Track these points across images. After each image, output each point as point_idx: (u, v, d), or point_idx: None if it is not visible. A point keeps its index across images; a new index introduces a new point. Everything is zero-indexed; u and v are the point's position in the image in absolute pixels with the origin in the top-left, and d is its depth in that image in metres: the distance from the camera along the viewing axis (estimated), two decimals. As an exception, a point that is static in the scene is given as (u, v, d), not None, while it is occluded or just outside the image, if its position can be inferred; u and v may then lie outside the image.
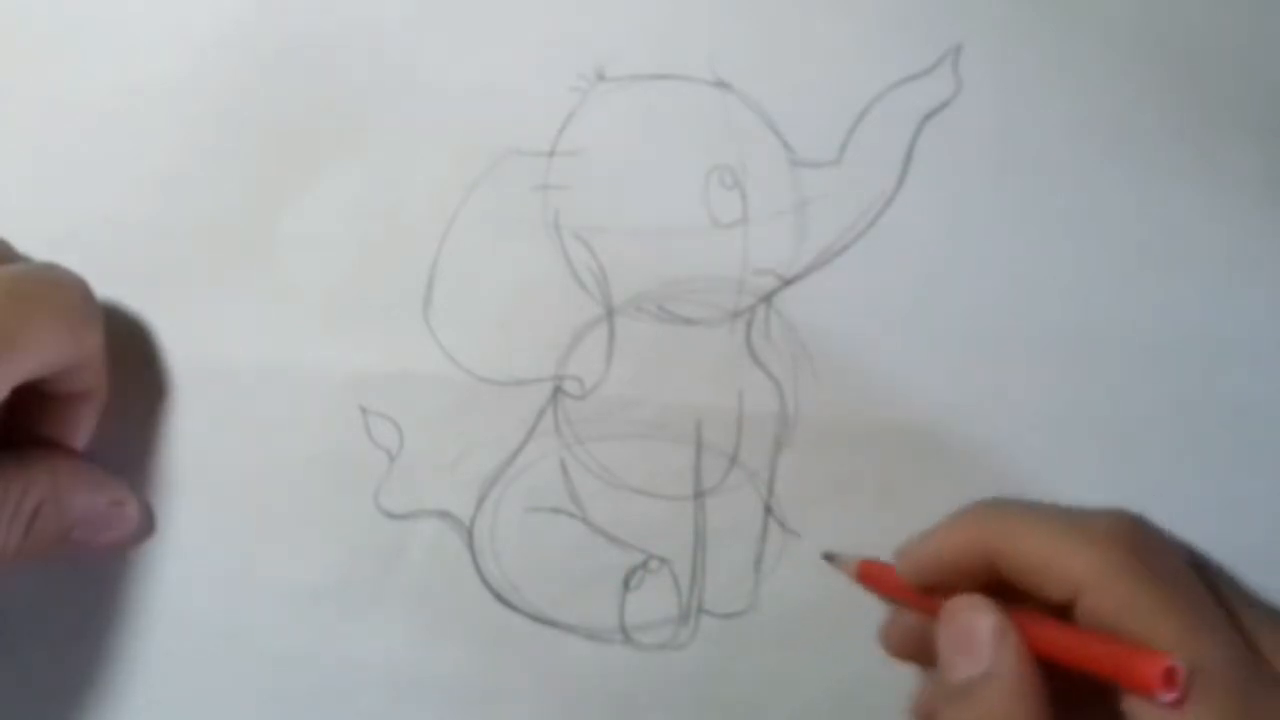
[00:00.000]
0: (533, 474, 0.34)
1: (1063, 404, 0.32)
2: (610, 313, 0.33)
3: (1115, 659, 0.24)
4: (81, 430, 0.33)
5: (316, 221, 0.34)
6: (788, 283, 0.33)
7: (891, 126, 0.33)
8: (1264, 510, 0.32)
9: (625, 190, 0.33)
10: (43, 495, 0.31)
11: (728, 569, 0.33)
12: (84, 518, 0.32)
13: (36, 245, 0.32)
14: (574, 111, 0.33)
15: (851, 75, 0.33)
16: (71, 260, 0.31)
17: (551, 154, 0.33)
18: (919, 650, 0.29)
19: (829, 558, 0.32)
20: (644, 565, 0.33)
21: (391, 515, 0.34)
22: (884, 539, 0.31)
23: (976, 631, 0.26)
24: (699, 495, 0.33)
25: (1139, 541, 0.26)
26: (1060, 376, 0.32)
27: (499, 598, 0.34)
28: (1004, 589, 0.27)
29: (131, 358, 0.34)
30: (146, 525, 0.34)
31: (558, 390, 0.33)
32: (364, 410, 0.34)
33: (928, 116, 0.32)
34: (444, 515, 0.34)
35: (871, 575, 0.30)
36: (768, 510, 0.33)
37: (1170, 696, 0.23)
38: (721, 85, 0.33)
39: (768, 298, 0.33)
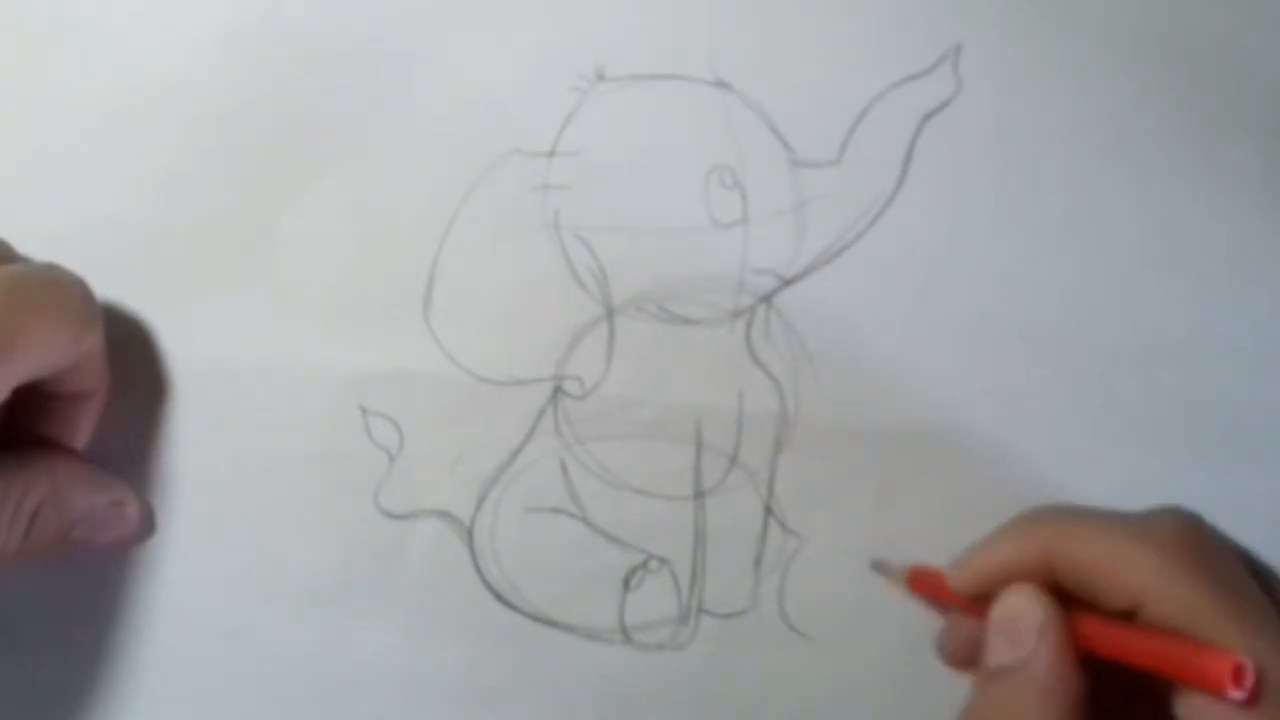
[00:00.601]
0: (533, 474, 0.34)
1: (1063, 403, 0.32)
2: (610, 313, 0.33)
3: (1181, 656, 0.24)
4: (81, 430, 0.33)
5: (316, 221, 0.34)
6: (788, 283, 0.33)
7: (891, 126, 0.33)
8: (1264, 510, 0.32)
9: (625, 190, 0.33)
10: (43, 495, 0.31)
11: (728, 569, 0.33)
12: (84, 518, 0.32)
13: (36, 245, 0.32)
14: (574, 111, 0.33)
15: (851, 75, 0.33)
16: (71, 260, 0.31)
17: (551, 154, 0.33)
18: (975, 658, 0.28)
19: (878, 567, 0.32)
20: (644, 565, 0.33)
21: (391, 515, 0.34)
22: (884, 539, 0.31)
23: (1021, 620, 0.26)
24: (699, 495, 0.33)
25: (1200, 544, 0.26)
26: (1060, 376, 0.32)
27: (499, 598, 0.34)
28: (1064, 599, 0.27)
29: (131, 358, 0.34)
30: (146, 525, 0.34)
31: (558, 390, 0.33)
32: (364, 410, 0.34)
33: (928, 116, 0.32)
34: (444, 515, 0.34)
35: (923, 584, 0.30)
36: (768, 510, 0.33)
37: (1240, 695, 0.23)
38: (721, 85, 0.33)
39: (768, 298, 0.33)
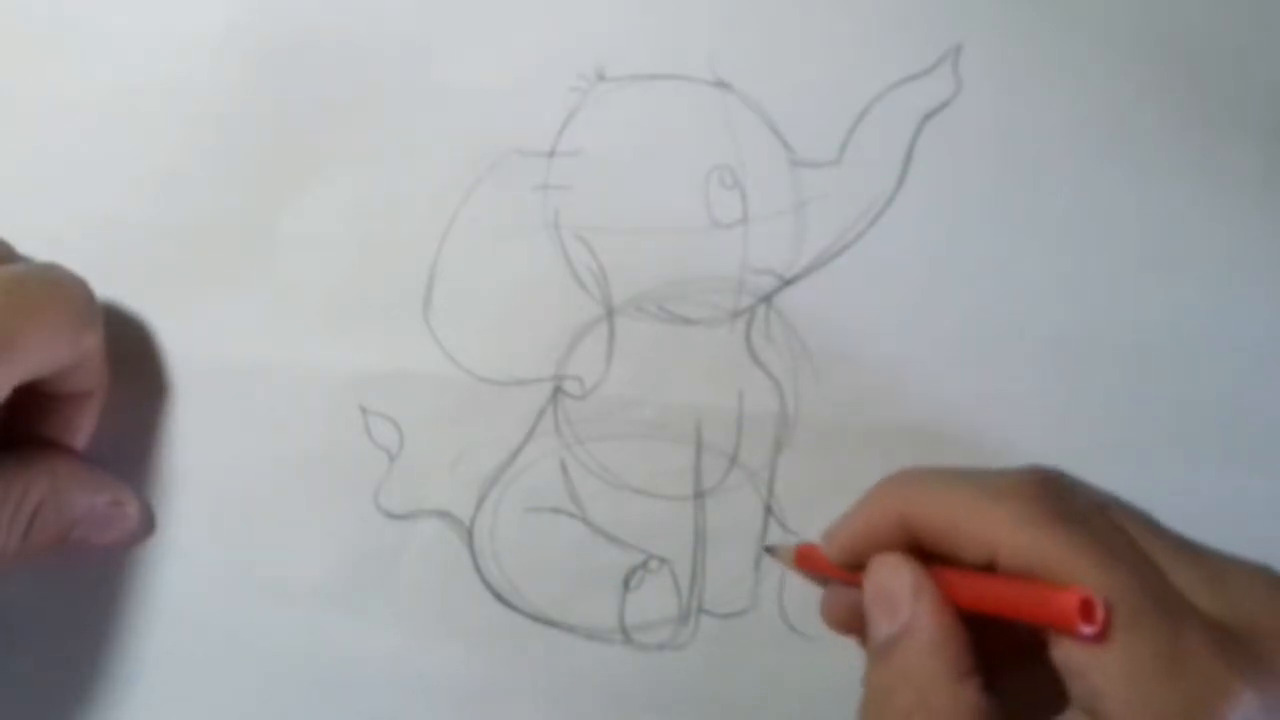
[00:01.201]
0: (533, 474, 0.34)
1: (1062, 403, 0.32)
2: (610, 313, 0.33)
3: (1033, 599, 0.24)
4: (81, 430, 0.33)
5: (316, 221, 0.34)
6: (788, 283, 0.33)
7: (891, 126, 0.33)
8: (1264, 510, 0.32)
9: (625, 190, 0.33)
10: (43, 495, 0.31)
11: (728, 569, 0.33)
12: (84, 518, 0.32)
13: (36, 245, 0.32)
14: (574, 111, 0.33)
15: (851, 75, 0.33)
16: (71, 260, 0.31)
17: (551, 154, 0.33)
18: (859, 623, 0.29)
19: (769, 550, 0.32)
20: (644, 565, 0.33)
21: (391, 515, 0.34)
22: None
23: (894, 590, 0.26)
24: (699, 495, 0.33)
25: (1049, 491, 0.26)
26: (1060, 376, 0.32)
27: (499, 598, 0.34)
28: (930, 557, 0.27)
29: (131, 358, 0.34)
30: (146, 525, 0.34)
31: (558, 390, 0.33)
32: (364, 410, 0.34)
33: (928, 116, 0.32)
34: (444, 515, 0.34)
35: (807, 561, 0.30)
36: (768, 510, 0.33)
37: (1090, 630, 0.23)
38: (721, 85, 0.33)
39: (768, 298, 0.33)
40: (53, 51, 0.34)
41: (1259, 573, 0.25)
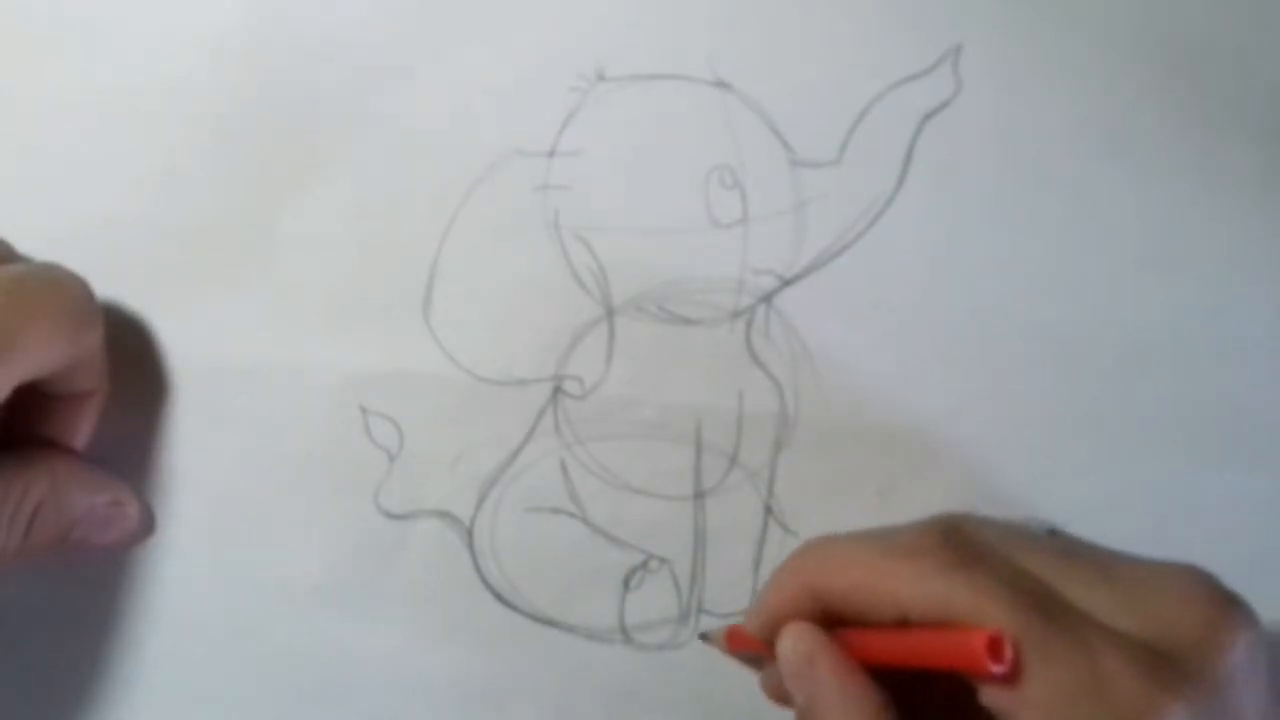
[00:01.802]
0: (533, 474, 0.34)
1: (1062, 403, 0.32)
2: (610, 313, 0.33)
3: (942, 646, 0.24)
4: (81, 430, 0.33)
5: (316, 221, 0.34)
6: (788, 283, 0.33)
7: (891, 126, 0.33)
8: (1264, 510, 0.32)
9: (625, 190, 0.33)
10: (43, 495, 0.31)
11: (728, 569, 0.33)
12: (84, 518, 0.32)
13: (36, 245, 0.32)
14: (574, 111, 0.33)
15: (851, 75, 0.33)
16: (71, 260, 0.31)
17: (551, 154, 0.33)
18: None
19: (703, 637, 0.33)
20: (644, 565, 0.33)
21: (391, 515, 0.34)
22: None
23: (794, 660, 0.27)
24: (699, 495, 0.33)
25: (948, 540, 0.26)
26: (1060, 376, 0.32)
27: (499, 598, 0.34)
28: (846, 622, 0.27)
29: (131, 358, 0.34)
30: (146, 525, 0.34)
31: (558, 390, 0.33)
32: (364, 410, 0.34)
33: (928, 116, 0.32)
34: (444, 515, 0.34)
35: (737, 640, 0.31)
36: (768, 510, 0.33)
37: (1001, 668, 0.23)
38: (721, 85, 0.33)
39: (768, 298, 0.33)
40: (53, 51, 0.34)
41: (1177, 580, 0.25)
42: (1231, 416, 0.32)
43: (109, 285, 0.33)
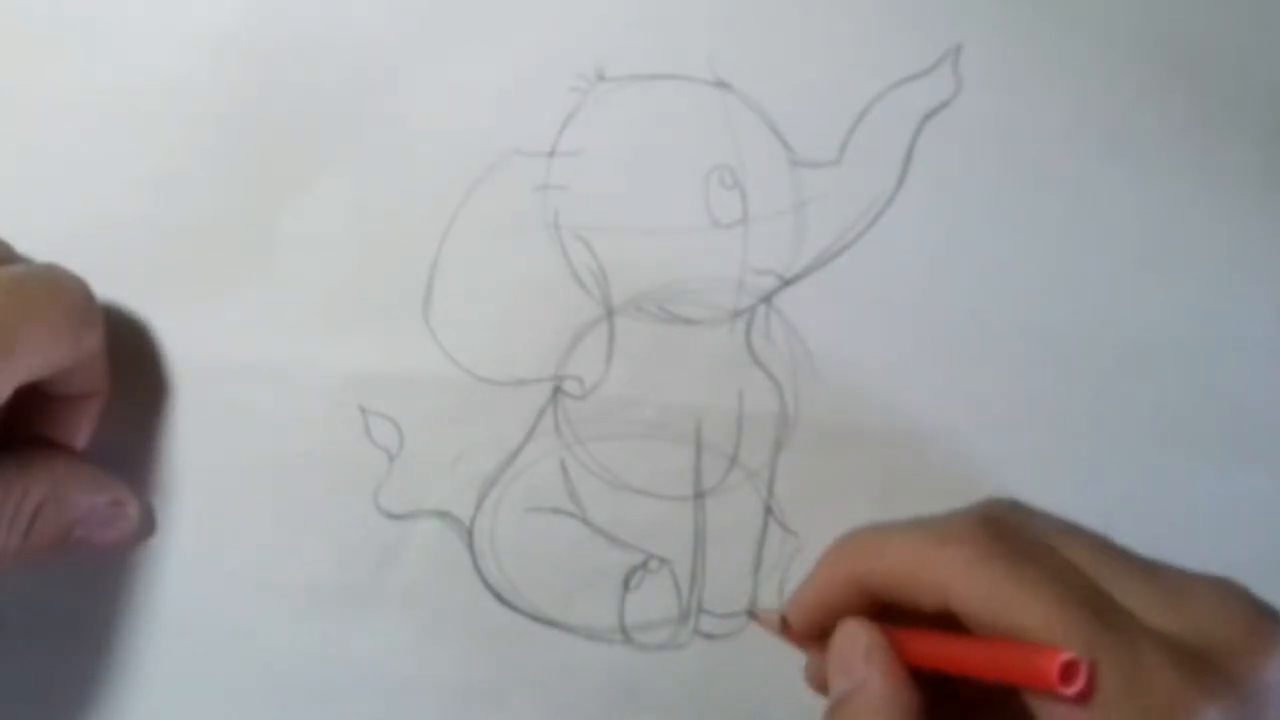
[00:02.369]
0: (533, 474, 0.34)
1: (1062, 403, 0.32)
2: (610, 313, 0.33)
3: (1010, 662, 0.24)
4: (81, 430, 0.33)
5: (316, 221, 0.34)
6: (788, 283, 0.33)
7: (891, 126, 0.33)
8: (1264, 510, 0.32)
9: (625, 190, 0.33)
10: (43, 495, 0.31)
11: (728, 569, 0.33)
12: (84, 518, 0.32)
13: (36, 245, 0.32)
14: (574, 111, 0.33)
15: (851, 75, 0.33)
16: (71, 260, 0.31)
17: (551, 154, 0.33)
18: None
19: (752, 615, 0.33)
20: (644, 565, 0.33)
21: (391, 515, 0.34)
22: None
23: (848, 653, 0.27)
24: (699, 495, 0.33)
25: (994, 531, 0.26)
26: (1060, 376, 0.32)
27: (499, 598, 0.34)
28: (891, 610, 0.28)
29: (131, 358, 0.34)
30: (146, 525, 0.34)
31: (558, 390, 0.33)
32: (364, 410, 0.34)
33: (928, 116, 0.32)
34: (444, 515, 0.34)
35: (785, 628, 0.31)
36: (768, 510, 0.33)
37: (1072, 690, 0.23)
38: (721, 85, 0.33)
39: (768, 298, 0.33)
40: (53, 51, 0.34)
41: (1217, 588, 0.26)
42: (1231, 416, 0.32)
43: (109, 286, 0.33)
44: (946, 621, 0.26)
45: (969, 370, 0.32)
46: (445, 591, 0.34)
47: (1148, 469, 0.32)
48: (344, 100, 0.34)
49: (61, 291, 0.30)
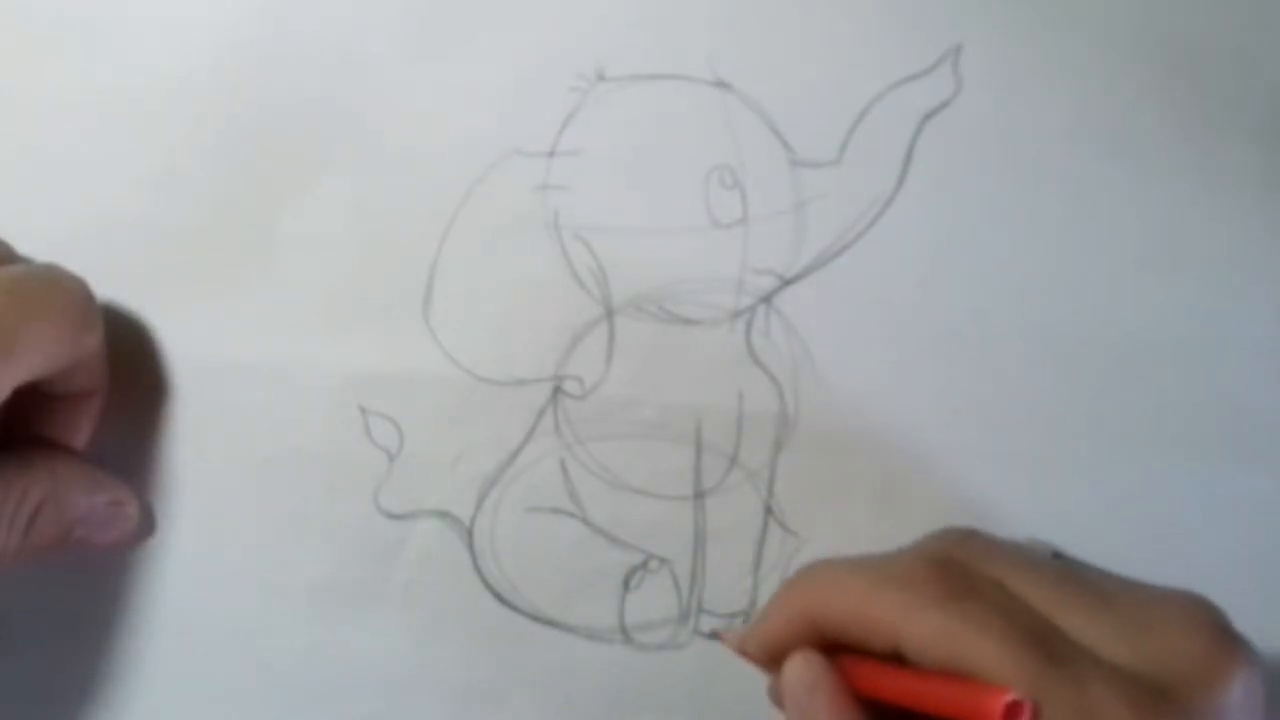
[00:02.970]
0: (533, 474, 0.34)
1: (1062, 404, 0.32)
2: (610, 313, 0.33)
3: (956, 697, 0.25)
4: (81, 430, 0.33)
5: (316, 221, 0.34)
6: (788, 283, 0.33)
7: (891, 126, 0.33)
8: (1264, 510, 0.32)
9: (625, 190, 0.33)
10: (43, 495, 0.31)
11: (728, 569, 0.33)
12: (84, 518, 0.32)
13: (36, 245, 0.32)
14: (574, 111, 0.33)
15: (851, 75, 0.33)
16: (71, 260, 0.31)
17: (551, 154, 0.33)
18: None
19: (716, 635, 0.33)
20: (644, 565, 0.33)
21: (391, 515, 0.34)
22: (884, 539, 0.31)
23: (794, 687, 0.28)
24: (699, 495, 0.33)
25: (943, 571, 0.27)
26: (1059, 376, 0.32)
27: (499, 598, 0.34)
28: (844, 647, 0.28)
29: (131, 358, 0.34)
30: (146, 525, 0.34)
31: (558, 390, 0.33)
32: (364, 410, 0.34)
33: (928, 116, 0.32)
34: (444, 515, 0.34)
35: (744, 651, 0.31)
36: (768, 510, 0.33)
37: None
38: (721, 85, 0.33)
39: (768, 298, 0.33)
40: (53, 51, 0.34)
41: (1179, 613, 0.26)
42: (1231, 416, 0.32)
43: (109, 286, 0.33)
44: (901, 656, 0.26)
45: (969, 370, 0.32)
46: (445, 591, 0.34)
47: (1148, 469, 0.32)
48: (344, 100, 0.34)
49: (61, 291, 0.30)
